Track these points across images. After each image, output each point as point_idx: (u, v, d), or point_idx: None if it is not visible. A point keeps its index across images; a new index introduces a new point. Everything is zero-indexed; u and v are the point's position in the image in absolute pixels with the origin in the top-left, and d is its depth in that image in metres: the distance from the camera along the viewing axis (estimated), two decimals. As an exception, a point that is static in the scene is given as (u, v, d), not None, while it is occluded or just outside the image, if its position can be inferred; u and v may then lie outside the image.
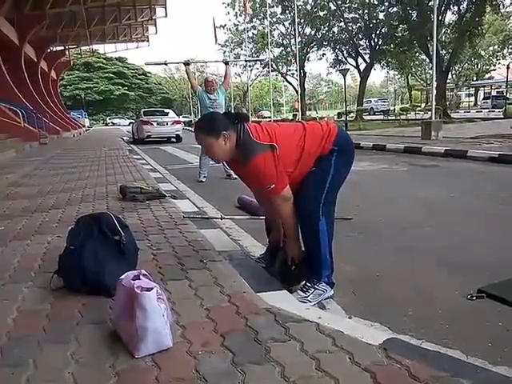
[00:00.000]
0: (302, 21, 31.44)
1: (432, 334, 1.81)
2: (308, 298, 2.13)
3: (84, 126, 37.57)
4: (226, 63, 7.09)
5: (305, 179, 2.19)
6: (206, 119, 2.34)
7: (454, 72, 36.77)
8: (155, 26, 35.91)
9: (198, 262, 2.44)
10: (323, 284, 2.18)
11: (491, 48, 43.73)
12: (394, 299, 2.21)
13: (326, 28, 32.29)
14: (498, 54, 44.06)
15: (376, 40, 30.08)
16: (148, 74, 67.81)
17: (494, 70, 45.49)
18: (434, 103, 12.40)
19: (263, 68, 37.66)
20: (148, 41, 39.14)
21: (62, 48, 33.21)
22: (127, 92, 61.28)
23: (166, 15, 32.29)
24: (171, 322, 1.61)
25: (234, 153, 2.17)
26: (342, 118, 21.05)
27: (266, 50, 31.05)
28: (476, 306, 2.08)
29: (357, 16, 30.80)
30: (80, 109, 47.01)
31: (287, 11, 32.10)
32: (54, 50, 31.81)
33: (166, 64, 8.23)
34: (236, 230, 3.54)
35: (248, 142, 2.11)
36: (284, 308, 1.83)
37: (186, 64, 6.87)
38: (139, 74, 65.30)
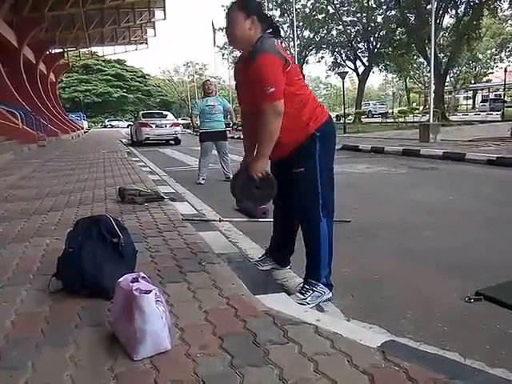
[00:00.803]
0: (300, 24, 31.56)
1: (430, 337, 1.82)
2: (306, 300, 2.13)
3: (82, 129, 37.56)
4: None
5: (296, 183, 2.19)
6: None
7: (452, 75, 36.86)
8: (154, 28, 36.09)
9: (197, 265, 2.44)
10: (321, 286, 2.18)
11: (489, 51, 43.90)
12: (392, 302, 2.22)
13: (325, 31, 32.46)
14: (496, 57, 44.23)
15: (374, 43, 30.21)
16: (147, 77, 67.95)
17: (492, 73, 45.64)
18: (432, 106, 12.45)
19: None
20: (147, 43, 39.28)
21: (61, 50, 33.28)
22: (126, 94, 61.33)
23: (165, 18, 32.46)
24: (170, 325, 1.61)
25: (249, 45, 2.12)
26: (341, 121, 21.11)
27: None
28: (474, 309, 2.08)
29: (355, 19, 30.95)
30: (79, 111, 47.07)
31: (286, 14, 32.24)
32: (53, 52, 31.88)
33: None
34: (234, 233, 3.54)
35: (268, 42, 2.07)
36: (282, 310, 1.83)
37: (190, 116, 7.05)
38: (138, 77, 65.43)
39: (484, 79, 46.93)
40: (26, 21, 20.80)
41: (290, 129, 2.10)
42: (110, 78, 60.66)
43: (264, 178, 2.18)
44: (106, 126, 54.17)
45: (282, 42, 2.69)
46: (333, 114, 39.43)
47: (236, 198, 2.31)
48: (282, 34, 33.93)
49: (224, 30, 2.25)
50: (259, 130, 2.09)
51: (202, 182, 6.52)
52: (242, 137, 2.56)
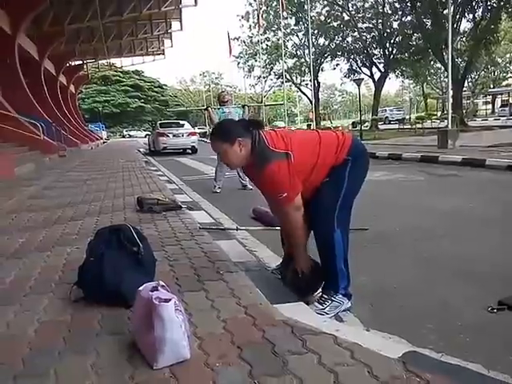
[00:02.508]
0: (315, 31, 31.62)
1: (452, 347, 1.78)
2: (325, 310, 2.12)
3: (101, 139, 38.28)
4: (244, 106, 7.14)
5: (318, 190, 2.19)
6: (221, 126, 2.34)
7: (470, 80, 36.38)
8: (171, 39, 36.63)
9: (215, 273, 2.46)
10: (340, 296, 2.17)
11: (508, 55, 43.17)
12: (412, 311, 2.19)
13: (340, 38, 32.43)
14: (516, 60, 43.50)
15: (390, 49, 30.01)
16: (164, 87, 68.92)
17: (512, 77, 44.91)
18: (450, 111, 12.28)
19: (277, 79, 37.94)
20: (164, 54, 39.89)
21: (81, 62, 34.09)
22: (143, 105, 62.32)
23: (182, 29, 32.89)
24: (189, 334, 1.62)
25: (249, 159, 2.18)
26: (357, 128, 20.98)
27: (280, 60, 31.32)
28: (497, 319, 2.04)
29: (371, 26, 30.83)
30: (98, 121, 48.02)
31: (301, 22, 32.34)
32: (73, 64, 32.66)
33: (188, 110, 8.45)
34: (251, 241, 3.54)
35: (263, 149, 2.11)
36: (301, 320, 1.82)
37: (206, 109, 7.03)
38: (155, 87, 66.43)
39: (503, 83, 46.14)
40: (46, 34, 21.41)
41: (320, 176, 2.17)
42: (128, 88, 61.78)
43: (309, 269, 2.28)
44: (124, 136, 55.08)
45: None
46: (349, 121, 39.35)
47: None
48: (297, 41, 34.17)
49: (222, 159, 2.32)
50: (286, 228, 2.32)
51: (219, 190, 6.55)
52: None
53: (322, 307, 2.13)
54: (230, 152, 2.16)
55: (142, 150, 20.49)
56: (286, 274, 2.43)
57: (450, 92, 12.83)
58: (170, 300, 1.57)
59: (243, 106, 7.09)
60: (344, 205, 2.16)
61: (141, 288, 1.67)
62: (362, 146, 2.31)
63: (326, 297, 2.18)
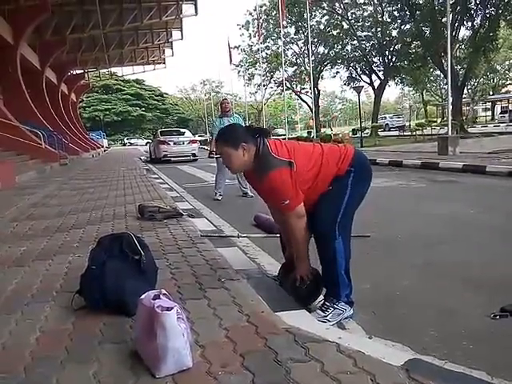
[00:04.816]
0: (315, 40, 31.85)
1: (455, 355, 1.78)
2: (327, 318, 2.11)
3: (102, 147, 38.35)
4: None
5: (321, 198, 2.20)
6: (228, 130, 2.35)
7: (469, 87, 36.45)
8: (172, 48, 36.85)
9: (216, 281, 2.45)
10: (342, 303, 2.16)
11: (507, 62, 43.36)
12: (414, 318, 2.18)
13: (340, 46, 32.61)
14: (515, 67, 43.67)
15: (390, 57, 30.18)
16: (164, 95, 69.27)
17: (511, 84, 45.01)
18: (450, 118, 12.31)
19: (277, 87, 38.11)
20: (165, 63, 40.09)
21: (82, 71, 34.29)
22: (144, 113, 62.63)
23: (182, 38, 33.11)
24: (191, 342, 1.62)
25: (251, 165, 2.20)
26: (357, 135, 21.02)
27: (280, 69, 31.49)
28: (500, 326, 2.03)
29: (370, 34, 31.04)
30: (99, 130, 48.23)
31: (300, 31, 32.57)
32: (74, 73, 32.85)
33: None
34: (253, 249, 3.54)
35: (266, 156, 2.14)
36: (303, 328, 1.82)
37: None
38: (156, 95, 66.80)
39: (503, 90, 46.31)
40: (48, 44, 21.63)
41: (322, 187, 2.18)
42: (129, 97, 62.14)
43: (310, 277, 2.28)
44: (125, 144, 55.21)
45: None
46: (349, 128, 39.40)
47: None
48: (297, 50, 34.39)
49: (222, 160, 2.36)
50: (289, 236, 2.30)
51: (219, 198, 6.56)
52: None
53: (324, 315, 2.13)
54: (233, 156, 2.18)
55: (142, 157, 20.54)
56: (286, 281, 2.43)
57: (450, 99, 12.86)
58: (172, 308, 1.56)
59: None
60: (346, 213, 2.16)
61: (143, 296, 1.66)
62: (365, 157, 2.32)
63: (328, 304, 2.17)
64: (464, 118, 26.76)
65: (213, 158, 6.89)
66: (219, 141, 2.27)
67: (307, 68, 30.07)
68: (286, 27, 32.72)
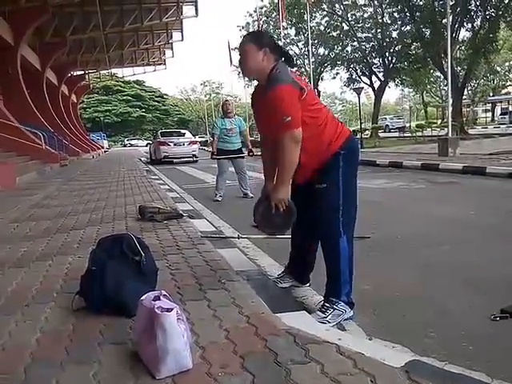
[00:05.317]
0: (315, 41, 31.84)
1: (455, 356, 1.77)
2: (327, 319, 2.11)
3: (103, 148, 38.37)
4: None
5: (317, 197, 2.20)
6: (259, 31, 2.37)
7: (469, 88, 36.46)
8: (172, 49, 36.88)
9: (216, 282, 2.45)
10: (342, 304, 2.16)
11: (507, 64, 43.37)
12: (414, 319, 2.18)
13: (340, 48, 32.61)
14: (515, 69, 43.66)
15: (390, 58, 30.17)
16: (165, 96, 69.32)
17: (511, 85, 45.02)
18: (450, 119, 12.32)
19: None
20: (165, 64, 40.15)
21: (82, 72, 34.34)
22: (145, 114, 62.66)
23: (183, 39, 33.18)
24: (191, 343, 1.62)
25: (263, 75, 2.18)
26: (357, 136, 21.01)
27: (280, 70, 31.43)
28: (500, 327, 2.03)
29: (370, 35, 31.04)
30: (99, 131, 48.27)
31: (301, 33, 32.58)
32: (75, 74, 32.89)
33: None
34: (253, 250, 3.54)
35: (283, 71, 2.13)
36: (303, 329, 1.82)
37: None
38: (156, 97, 66.86)
39: (503, 91, 46.30)
40: (48, 45, 21.67)
41: (313, 152, 2.15)
42: (129, 98, 62.17)
43: (284, 206, 2.21)
44: (125, 145, 55.22)
45: (297, 70, 2.77)
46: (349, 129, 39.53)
47: (257, 226, 2.35)
48: (297, 51, 34.41)
49: (238, 63, 2.33)
50: (279, 158, 2.14)
51: (219, 199, 6.56)
52: (260, 153, 2.60)
53: (324, 316, 2.12)
54: (252, 54, 2.17)
55: (143, 158, 20.54)
56: (258, 209, 2.38)
57: (450, 100, 12.88)
58: (172, 309, 1.56)
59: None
60: (347, 205, 2.17)
61: (143, 297, 1.66)
62: (356, 143, 2.34)
63: (327, 305, 2.17)
64: (464, 119, 26.74)
65: (215, 159, 6.89)
66: (246, 36, 2.28)
67: (307, 69, 30.07)
68: (286, 28, 32.74)
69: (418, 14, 23.76)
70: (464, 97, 28.65)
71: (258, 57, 2.16)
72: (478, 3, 21.56)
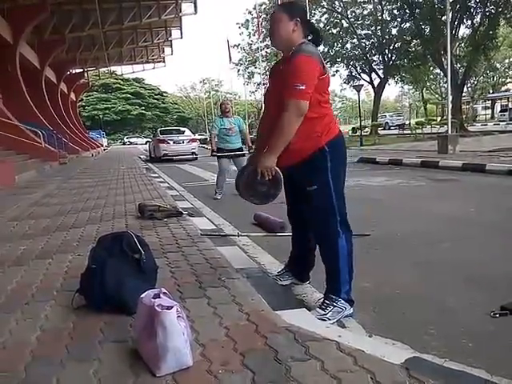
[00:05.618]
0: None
1: (455, 353, 1.78)
2: (327, 316, 2.11)
3: (102, 146, 38.33)
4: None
5: (310, 199, 2.20)
6: (292, 2, 2.37)
7: (469, 85, 36.46)
8: (171, 47, 36.82)
9: (216, 280, 2.45)
10: (342, 301, 2.16)
11: (507, 60, 43.35)
12: (414, 316, 2.18)
13: (339, 45, 32.56)
14: (514, 66, 43.64)
15: (389, 55, 30.15)
16: (164, 94, 69.20)
17: (511, 82, 44.99)
18: (449, 117, 12.31)
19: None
20: (164, 61, 40.06)
21: (81, 70, 34.23)
22: (144, 112, 62.52)
23: (182, 37, 33.07)
24: (191, 341, 1.62)
25: (289, 46, 2.17)
26: (357, 133, 21.01)
27: (280, 67, 31.42)
28: (500, 324, 2.03)
29: (370, 32, 31.01)
30: (98, 129, 48.15)
31: (300, 30, 32.49)
32: (74, 72, 32.81)
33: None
34: (253, 247, 3.54)
35: (311, 46, 2.15)
36: (303, 326, 1.82)
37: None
38: (156, 94, 66.69)
39: (503, 89, 46.26)
40: (47, 43, 21.61)
41: (302, 136, 2.12)
42: (128, 96, 62.01)
43: (271, 174, 2.15)
44: (124, 143, 55.17)
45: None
46: (349, 127, 39.45)
47: (239, 193, 2.33)
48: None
49: (268, 32, 2.37)
50: (277, 127, 2.09)
51: (219, 197, 6.55)
52: (257, 128, 2.59)
53: (323, 313, 2.12)
54: (283, 23, 2.17)
55: (142, 156, 20.54)
56: (242, 174, 2.35)
57: (450, 97, 12.86)
58: (172, 307, 1.57)
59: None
60: (339, 203, 2.17)
61: (143, 295, 1.67)
62: (343, 140, 2.30)
63: (327, 302, 2.17)
64: (464, 116, 26.72)
65: (215, 156, 6.89)
66: (279, 5, 2.30)
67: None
68: (286, 26, 32.63)
69: (417, 10, 23.68)
70: (464, 94, 28.64)
71: (289, 27, 2.17)
72: (477, 0, 21.51)
